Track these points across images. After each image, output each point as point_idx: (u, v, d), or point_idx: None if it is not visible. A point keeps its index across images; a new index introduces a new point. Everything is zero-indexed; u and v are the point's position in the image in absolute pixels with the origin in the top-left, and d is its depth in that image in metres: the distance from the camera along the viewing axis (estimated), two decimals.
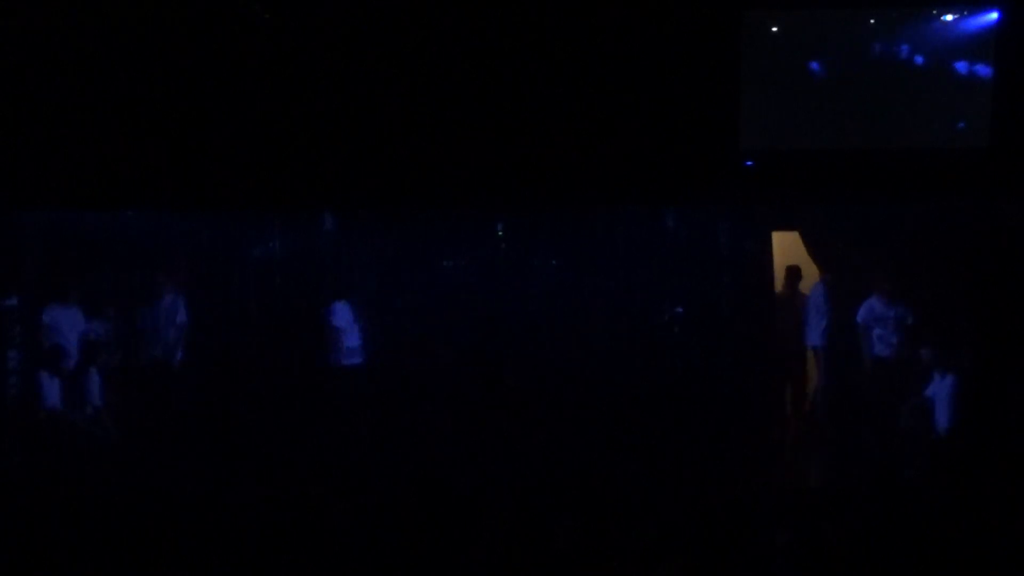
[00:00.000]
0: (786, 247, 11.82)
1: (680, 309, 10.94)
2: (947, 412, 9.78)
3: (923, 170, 9.64)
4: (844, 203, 10.36)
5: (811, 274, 11.44)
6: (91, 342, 10.64)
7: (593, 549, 7.15)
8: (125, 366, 10.78)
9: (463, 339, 10.94)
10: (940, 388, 9.86)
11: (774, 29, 9.54)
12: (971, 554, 6.91)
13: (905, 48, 9.49)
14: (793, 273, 11.21)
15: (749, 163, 9.72)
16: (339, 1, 9.48)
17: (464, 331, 10.95)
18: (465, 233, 11.07)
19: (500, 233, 11.13)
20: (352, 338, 10.85)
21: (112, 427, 10.22)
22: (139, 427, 10.47)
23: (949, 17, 9.44)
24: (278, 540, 7.43)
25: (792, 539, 7.12)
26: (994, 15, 9.36)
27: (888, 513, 7.89)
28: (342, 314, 10.86)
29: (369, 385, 10.99)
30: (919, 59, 9.50)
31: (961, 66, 9.47)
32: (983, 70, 9.45)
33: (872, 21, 9.54)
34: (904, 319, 10.43)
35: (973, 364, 10.03)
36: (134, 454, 10.12)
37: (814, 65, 9.56)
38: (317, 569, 7.20)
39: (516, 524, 7.52)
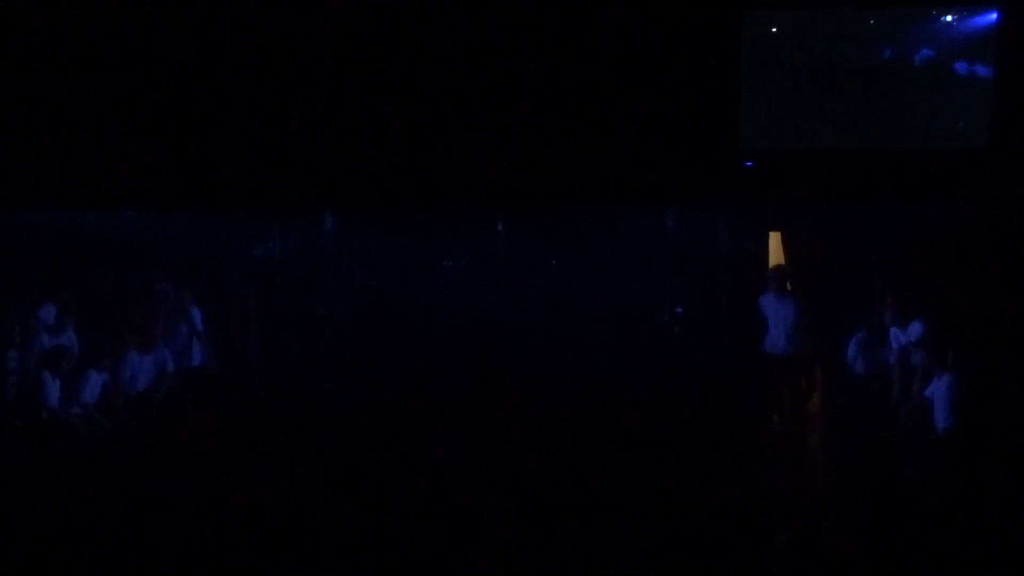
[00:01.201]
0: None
1: (680, 309, 10.94)
2: (947, 412, 9.79)
3: (923, 170, 9.64)
4: (844, 203, 10.34)
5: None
6: (87, 344, 10.64)
7: (593, 549, 7.16)
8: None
9: (462, 339, 10.93)
10: (940, 388, 9.87)
11: (774, 29, 9.54)
12: (971, 554, 6.92)
13: (905, 48, 9.49)
14: (785, 274, 11.19)
15: (749, 163, 9.71)
16: (339, 1, 9.48)
17: (463, 331, 10.94)
18: (465, 233, 11.06)
19: (500, 228, 11.11)
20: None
21: (107, 426, 10.23)
22: (134, 427, 10.50)
23: (949, 17, 9.44)
24: (276, 540, 7.43)
25: (792, 539, 7.12)
26: (994, 15, 9.36)
27: (888, 513, 7.90)
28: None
29: (369, 386, 11.00)
30: (919, 59, 9.50)
31: (961, 66, 9.46)
32: (983, 70, 9.44)
33: (872, 21, 9.53)
34: (915, 333, 10.43)
35: (973, 364, 10.02)
36: (130, 453, 10.14)
37: (814, 65, 9.55)
38: (316, 569, 7.20)
39: (516, 525, 7.52)
